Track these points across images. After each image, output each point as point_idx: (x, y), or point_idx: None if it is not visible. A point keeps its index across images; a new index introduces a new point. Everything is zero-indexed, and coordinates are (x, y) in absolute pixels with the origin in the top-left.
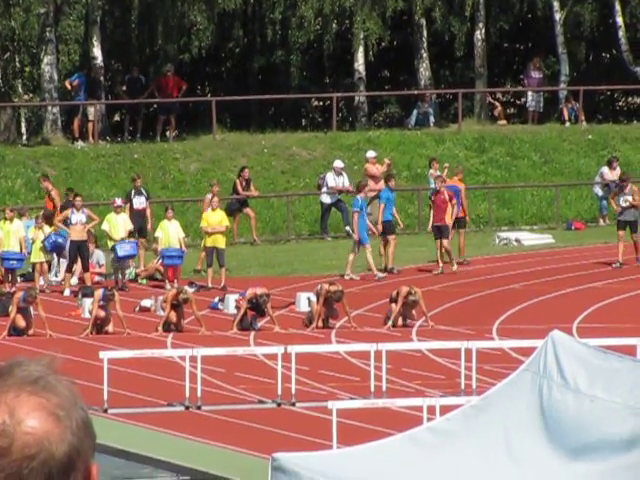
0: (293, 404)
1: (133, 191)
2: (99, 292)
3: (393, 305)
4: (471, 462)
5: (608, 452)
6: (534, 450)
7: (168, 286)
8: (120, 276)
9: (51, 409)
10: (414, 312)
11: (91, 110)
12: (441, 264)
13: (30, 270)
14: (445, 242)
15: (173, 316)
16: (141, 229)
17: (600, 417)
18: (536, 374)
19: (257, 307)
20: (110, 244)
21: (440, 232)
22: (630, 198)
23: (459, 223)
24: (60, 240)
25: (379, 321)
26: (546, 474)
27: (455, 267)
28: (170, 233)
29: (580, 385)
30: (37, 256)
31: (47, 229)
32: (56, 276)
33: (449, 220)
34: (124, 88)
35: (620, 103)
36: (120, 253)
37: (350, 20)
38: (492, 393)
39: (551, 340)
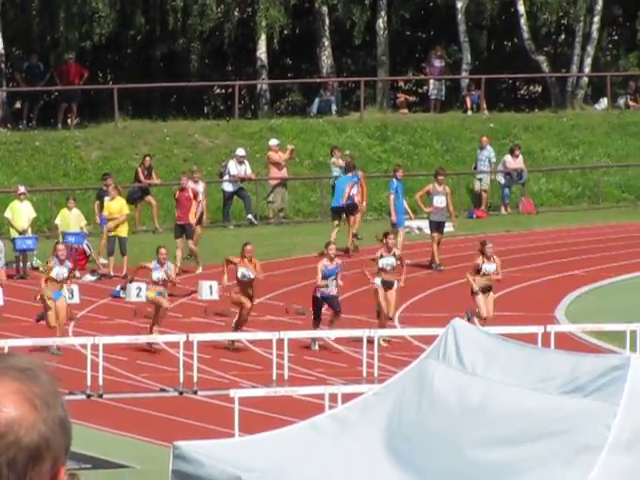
0: (195, 392)
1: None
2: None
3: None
4: (371, 449)
5: (499, 425)
6: (427, 433)
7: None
8: (21, 264)
9: (29, 396)
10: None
11: None
12: (179, 264)
13: None
14: (190, 242)
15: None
16: None
17: (492, 395)
18: (436, 361)
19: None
20: (12, 232)
21: (183, 231)
22: (444, 198)
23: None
24: None
25: (281, 309)
26: (439, 454)
27: (200, 270)
28: (70, 223)
29: (477, 369)
30: None
31: None
32: None
33: (193, 219)
34: (23, 75)
35: (521, 91)
36: (19, 246)
37: (252, 8)
38: (393, 381)
39: (452, 328)
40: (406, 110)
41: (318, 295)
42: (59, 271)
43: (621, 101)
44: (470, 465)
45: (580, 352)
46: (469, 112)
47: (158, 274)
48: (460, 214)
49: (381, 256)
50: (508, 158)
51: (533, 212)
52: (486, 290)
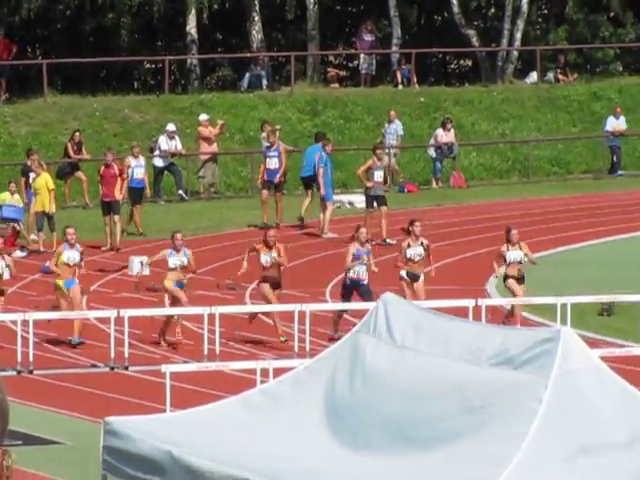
0: (126, 368)
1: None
2: None
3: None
4: (303, 423)
5: (429, 398)
6: (359, 407)
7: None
8: None
9: None
10: None
11: None
12: (109, 240)
13: None
14: (116, 218)
15: None
16: None
17: (423, 368)
18: (367, 335)
19: None
20: None
21: (110, 208)
22: (382, 172)
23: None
24: None
25: (212, 284)
26: (371, 427)
27: (118, 242)
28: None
29: (407, 342)
30: None
31: None
32: None
33: (118, 195)
34: None
35: (452, 66)
36: None
37: None
38: (324, 355)
39: (383, 302)
40: (337, 84)
41: (347, 282)
42: (70, 255)
43: (551, 75)
44: (401, 438)
45: (511, 325)
46: (400, 86)
47: (175, 260)
48: (391, 188)
49: (408, 245)
50: (440, 132)
51: (464, 186)
52: (520, 281)
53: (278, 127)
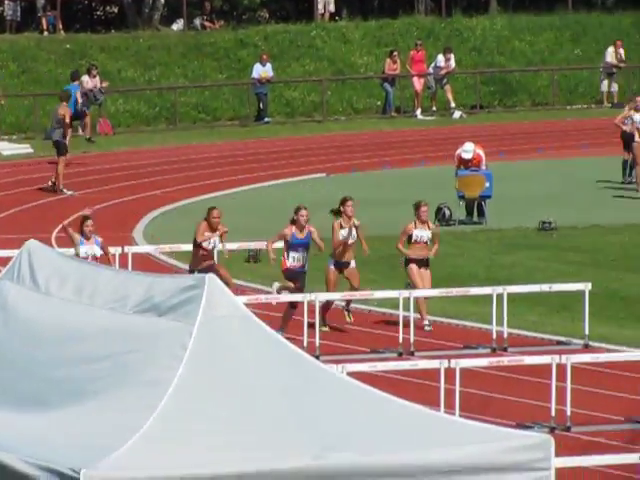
0: None
1: None
2: None
3: None
4: None
5: (73, 345)
6: None
7: None
8: None
9: None
10: None
11: None
12: None
13: None
14: None
15: None
16: None
17: (66, 315)
18: (10, 282)
19: None
20: None
21: None
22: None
23: None
24: None
25: None
26: (9, 374)
27: None
28: None
29: (51, 289)
30: None
31: None
32: None
33: None
34: None
35: (98, 12)
36: None
37: None
38: None
39: (27, 249)
40: None
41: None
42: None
43: (197, 22)
44: (45, 387)
45: (158, 273)
46: (45, 33)
47: (87, 250)
48: (37, 135)
49: (341, 227)
50: (85, 78)
51: (110, 133)
52: (422, 264)
53: None
